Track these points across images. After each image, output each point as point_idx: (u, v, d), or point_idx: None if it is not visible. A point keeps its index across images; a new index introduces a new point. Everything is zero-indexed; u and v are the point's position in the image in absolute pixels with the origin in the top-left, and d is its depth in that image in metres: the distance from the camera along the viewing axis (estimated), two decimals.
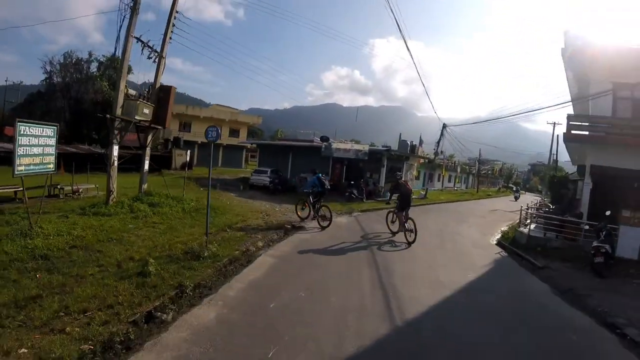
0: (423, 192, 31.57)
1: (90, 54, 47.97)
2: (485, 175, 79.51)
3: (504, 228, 18.10)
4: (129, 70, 16.03)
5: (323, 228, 13.17)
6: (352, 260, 9.73)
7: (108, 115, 14.43)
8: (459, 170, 65.46)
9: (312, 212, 14.25)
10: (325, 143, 27.52)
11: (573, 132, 14.51)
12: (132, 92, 15.47)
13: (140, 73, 17.39)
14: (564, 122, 14.74)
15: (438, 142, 33.27)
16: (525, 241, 13.58)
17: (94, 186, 18.55)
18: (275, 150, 33.76)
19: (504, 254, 12.58)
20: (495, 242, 14.75)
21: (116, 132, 14.72)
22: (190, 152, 44.59)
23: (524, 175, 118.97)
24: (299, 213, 14.83)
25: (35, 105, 45.80)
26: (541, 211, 17.52)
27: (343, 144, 26.51)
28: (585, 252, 11.58)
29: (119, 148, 15.02)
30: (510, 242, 14.00)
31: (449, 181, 60.93)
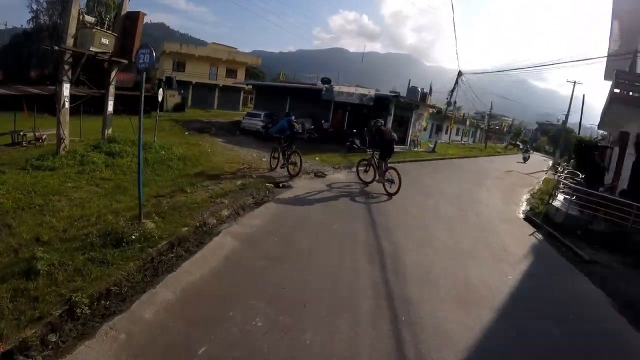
0: (432, 145, 28.94)
1: None
2: (493, 131, 76.45)
3: (526, 195, 15.83)
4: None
5: (291, 176, 11.74)
6: (346, 244, 6.93)
7: (56, 47, 11.81)
8: (467, 123, 62.43)
9: (281, 160, 12.58)
10: (326, 85, 24.61)
11: (617, 91, 11.71)
12: (89, 19, 12.70)
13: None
14: (585, 81, 11.87)
15: (452, 92, 30.19)
16: (562, 220, 11.09)
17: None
18: (272, 92, 30.81)
19: (538, 235, 10.03)
20: (522, 215, 12.31)
21: (67, 67, 12.04)
22: (182, 93, 41.65)
23: (530, 133, 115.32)
24: (271, 163, 13.02)
25: (22, 46, 42.60)
26: (571, 181, 14.82)
27: (346, 87, 23.59)
28: (636, 243, 9.30)
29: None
30: (543, 219, 11.49)
31: (457, 134, 58.26)
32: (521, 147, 79.97)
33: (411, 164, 19.98)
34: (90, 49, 12.34)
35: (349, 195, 10.75)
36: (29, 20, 43.90)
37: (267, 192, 9.69)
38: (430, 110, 32.57)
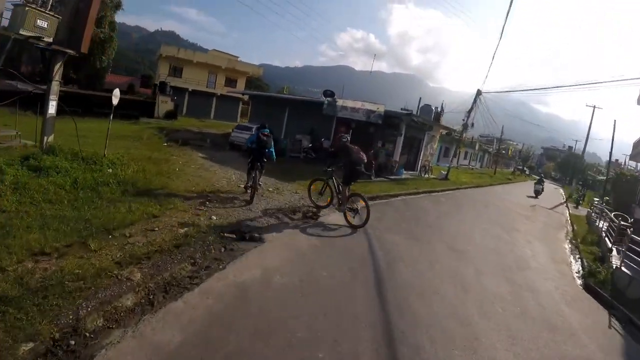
0: (444, 172, 25.77)
1: None
2: (501, 156, 73.68)
3: (567, 244, 12.95)
4: None
5: (247, 203, 9.41)
6: None
7: None
8: (476, 147, 59.54)
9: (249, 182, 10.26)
10: (328, 99, 21.62)
11: None
12: None
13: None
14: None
15: (469, 112, 27.14)
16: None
17: (15, 133, 13.37)
18: (269, 104, 27.83)
19: (616, 324, 6.75)
20: (579, 280, 9.07)
21: None
22: (175, 100, 38.70)
23: (536, 158, 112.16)
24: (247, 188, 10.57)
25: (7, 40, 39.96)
26: (620, 228, 11.51)
27: (351, 102, 20.60)
28: None
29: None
30: (612, 292, 8.11)
31: (464, 158, 55.33)
32: (527, 172, 77.50)
33: (426, 196, 16.83)
34: (20, 31, 9.39)
35: (356, 262, 6.84)
36: None
37: (222, 250, 6.14)
38: (442, 131, 29.54)
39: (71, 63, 39.66)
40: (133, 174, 10.25)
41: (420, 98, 31.53)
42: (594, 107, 40.52)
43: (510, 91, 28.08)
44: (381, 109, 19.25)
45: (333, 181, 9.84)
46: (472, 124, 28.35)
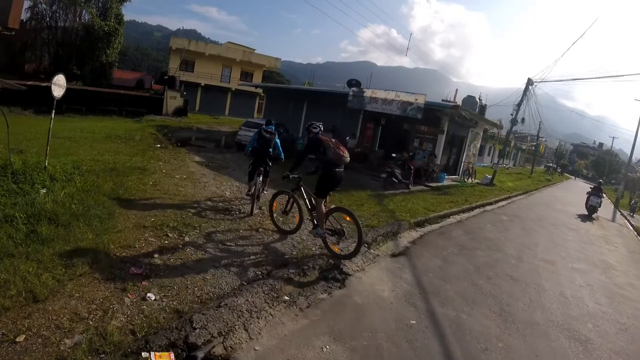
0: (489, 176, 21.75)
1: None
2: (533, 153, 68.40)
3: None
4: None
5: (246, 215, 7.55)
6: None
7: None
8: (512, 144, 54.87)
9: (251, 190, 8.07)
10: (354, 89, 17.93)
11: None
12: None
13: None
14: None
15: (518, 105, 22.98)
16: None
17: None
18: (285, 97, 24.33)
19: None
20: None
21: None
22: (185, 95, 35.55)
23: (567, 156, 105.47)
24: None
25: (14, 36, 37.97)
26: None
27: (383, 92, 16.87)
28: None
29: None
30: None
31: (498, 157, 50.59)
32: (559, 170, 71.61)
33: (484, 215, 13.01)
34: None
35: None
36: (27, 8, 39.08)
37: None
38: (485, 128, 25.48)
39: (74, 58, 37.40)
40: (73, 194, 6.90)
41: (456, 90, 27.62)
42: None
43: (565, 80, 23.75)
44: (421, 100, 15.45)
45: (302, 192, 6.70)
46: (523, 119, 24.24)
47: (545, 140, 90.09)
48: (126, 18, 39.61)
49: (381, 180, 13.58)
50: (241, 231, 6.69)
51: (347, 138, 17.26)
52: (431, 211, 10.75)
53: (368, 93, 17.19)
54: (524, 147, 67.90)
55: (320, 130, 6.44)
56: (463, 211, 12.28)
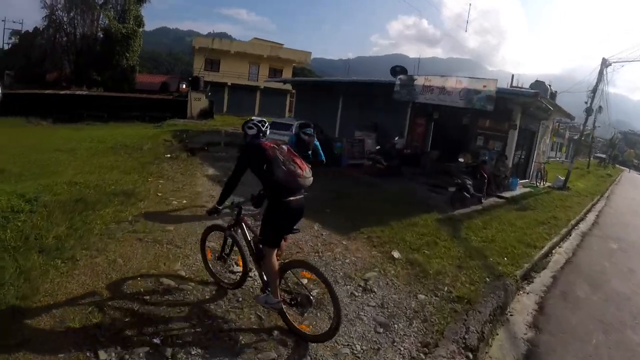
0: (562, 178, 18.03)
1: None
2: (589, 145, 62.53)
3: None
4: None
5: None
6: None
7: None
8: (566, 135, 49.95)
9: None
10: (401, 77, 14.73)
11: None
12: None
13: None
14: None
15: (594, 91, 19.05)
16: None
17: None
18: (317, 92, 21.30)
19: None
20: None
21: None
22: (210, 96, 33.11)
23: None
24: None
25: (31, 45, 37.14)
26: None
27: (440, 79, 13.54)
28: None
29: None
30: None
31: (552, 149, 46.11)
32: (610, 162, 64.77)
33: (586, 242, 9.65)
34: None
35: None
36: (44, 17, 37.95)
37: None
38: (554, 120, 21.58)
39: (94, 64, 35.90)
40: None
41: (512, 75, 23.84)
42: None
43: None
44: (492, 86, 12.00)
45: (244, 230, 4.09)
46: (600, 108, 20.30)
47: (599, 127, 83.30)
48: (156, 25, 38.28)
49: (448, 195, 10.37)
50: None
51: (396, 138, 14.11)
52: (529, 246, 7.48)
53: (420, 81, 13.91)
54: (575, 137, 62.44)
55: (262, 129, 3.79)
56: (562, 239, 9.02)
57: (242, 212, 4.10)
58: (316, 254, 5.70)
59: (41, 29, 37.39)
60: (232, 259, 4.68)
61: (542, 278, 6.40)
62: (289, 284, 3.99)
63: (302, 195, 3.64)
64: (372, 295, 4.60)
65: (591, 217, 13.20)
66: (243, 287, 4.30)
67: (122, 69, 34.97)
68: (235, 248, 4.27)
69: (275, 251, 3.71)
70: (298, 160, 3.53)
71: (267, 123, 3.88)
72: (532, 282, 6.15)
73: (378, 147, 13.79)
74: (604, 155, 68.64)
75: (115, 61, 34.41)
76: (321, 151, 7.58)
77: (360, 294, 4.60)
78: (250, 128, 3.75)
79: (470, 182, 10.32)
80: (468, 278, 5.44)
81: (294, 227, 3.76)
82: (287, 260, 4.09)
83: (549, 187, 17.17)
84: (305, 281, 4.23)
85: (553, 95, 18.60)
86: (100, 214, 6.17)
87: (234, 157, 14.80)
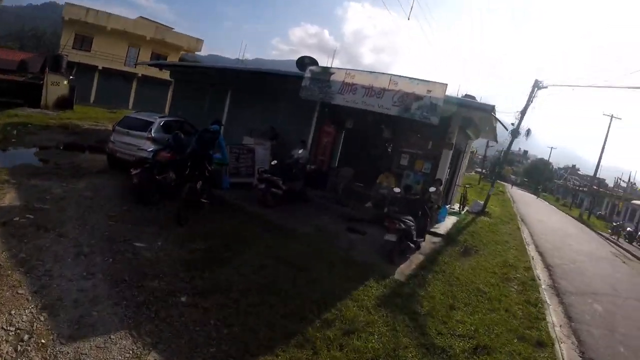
0: (481, 202, 16.15)
1: None
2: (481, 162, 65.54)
3: None
4: None
5: None
6: None
7: None
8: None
9: None
10: (313, 68, 11.08)
11: None
12: None
13: None
14: None
15: (522, 112, 17.62)
16: None
17: None
18: (201, 83, 16.65)
19: None
20: None
21: None
22: (72, 80, 26.30)
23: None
24: None
25: None
26: None
27: (367, 75, 10.03)
28: None
29: None
30: None
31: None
32: (493, 177, 68.59)
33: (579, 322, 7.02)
34: None
35: None
36: None
37: None
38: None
39: None
40: None
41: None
42: (611, 116, 35.00)
43: (576, 86, 18.79)
44: (438, 92, 8.78)
45: None
46: (529, 131, 19.28)
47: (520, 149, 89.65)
48: None
49: (386, 247, 6.78)
50: None
51: (300, 151, 10.33)
52: (527, 341, 4.52)
53: (339, 76, 10.24)
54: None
55: None
56: (537, 309, 6.19)
57: None
58: None
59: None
60: None
61: None
62: None
63: None
64: None
65: (535, 255, 11.14)
66: None
67: None
68: None
69: None
70: None
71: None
72: None
73: (274, 162, 9.88)
74: (482, 170, 72.46)
75: None
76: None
77: None
78: None
79: (414, 226, 6.91)
80: None
81: None
82: None
83: (467, 211, 15.02)
84: None
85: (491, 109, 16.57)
86: None
87: (67, 166, 9.89)
